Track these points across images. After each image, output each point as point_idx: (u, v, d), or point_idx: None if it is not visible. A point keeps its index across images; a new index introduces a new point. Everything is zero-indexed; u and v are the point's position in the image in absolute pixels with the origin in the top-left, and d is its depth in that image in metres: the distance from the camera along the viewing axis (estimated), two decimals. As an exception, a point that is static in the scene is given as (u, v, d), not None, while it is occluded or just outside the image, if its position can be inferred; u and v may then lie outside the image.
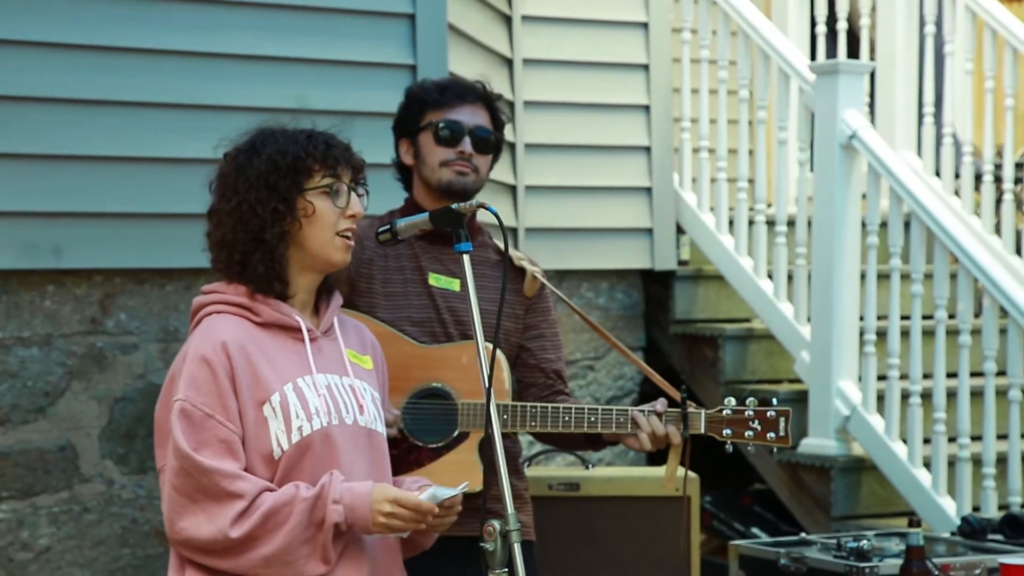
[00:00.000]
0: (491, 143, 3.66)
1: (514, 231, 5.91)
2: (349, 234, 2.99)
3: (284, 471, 2.87)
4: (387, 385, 3.19)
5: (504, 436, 3.55)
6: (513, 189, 5.99)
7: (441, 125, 3.62)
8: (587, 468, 4.56)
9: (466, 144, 3.61)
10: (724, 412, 3.42)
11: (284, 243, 2.94)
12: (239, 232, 2.93)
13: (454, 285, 3.58)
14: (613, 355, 6.19)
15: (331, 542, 2.85)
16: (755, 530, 6.26)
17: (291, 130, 3.00)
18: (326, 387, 2.94)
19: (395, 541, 3.04)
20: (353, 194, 3.00)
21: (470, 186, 3.60)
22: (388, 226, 3.23)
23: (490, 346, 3.00)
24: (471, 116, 3.64)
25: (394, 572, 3.03)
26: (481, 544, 2.85)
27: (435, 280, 3.59)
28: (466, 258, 3.04)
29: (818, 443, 5.70)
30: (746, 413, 3.41)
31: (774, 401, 3.44)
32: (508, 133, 5.91)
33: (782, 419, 3.41)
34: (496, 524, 2.83)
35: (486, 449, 2.95)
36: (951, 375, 5.47)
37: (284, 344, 2.94)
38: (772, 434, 3.41)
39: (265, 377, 2.88)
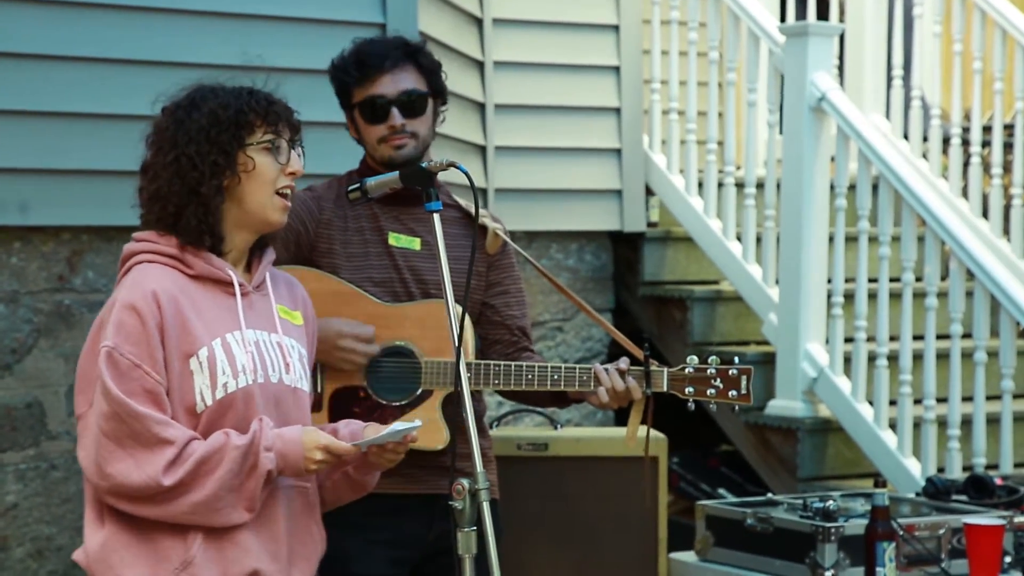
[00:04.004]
0: (422, 103, 3.55)
1: (484, 192, 5.90)
2: (288, 192, 2.98)
3: (206, 425, 2.86)
4: (316, 338, 3.18)
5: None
6: (483, 150, 5.97)
7: (365, 104, 3.53)
8: (556, 428, 4.58)
9: (395, 117, 3.51)
10: (687, 370, 3.43)
11: (220, 196, 2.92)
12: (175, 184, 2.91)
13: (414, 244, 3.56)
14: (582, 316, 6.20)
15: (260, 490, 2.85)
16: (722, 491, 6.29)
17: (231, 87, 2.98)
18: (254, 343, 2.93)
19: (314, 499, 3.04)
20: (293, 152, 2.98)
21: (412, 154, 3.53)
22: (358, 185, 3.22)
23: (458, 306, 3.00)
24: (393, 84, 3.52)
25: (312, 529, 3.03)
26: (450, 503, 2.85)
27: (395, 240, 3.56)
28: (436, 217, 3.04)
29: (785, 405, 5.73)
30: (708, 371, 3.43)
31: (736, 360, 3.46)
32: (477, 93, 5.93)
33: (744, 377, 3.42)
34: (465, 483, 2.84)
35: (453, 408, 2.94)
36: (917, 337, 5.50)
37: (215, 298, 2.93)
38: (734, 392, 3.43)
39: (194, 330, 2.86)
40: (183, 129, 2.92)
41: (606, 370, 3.43)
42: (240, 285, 2.95)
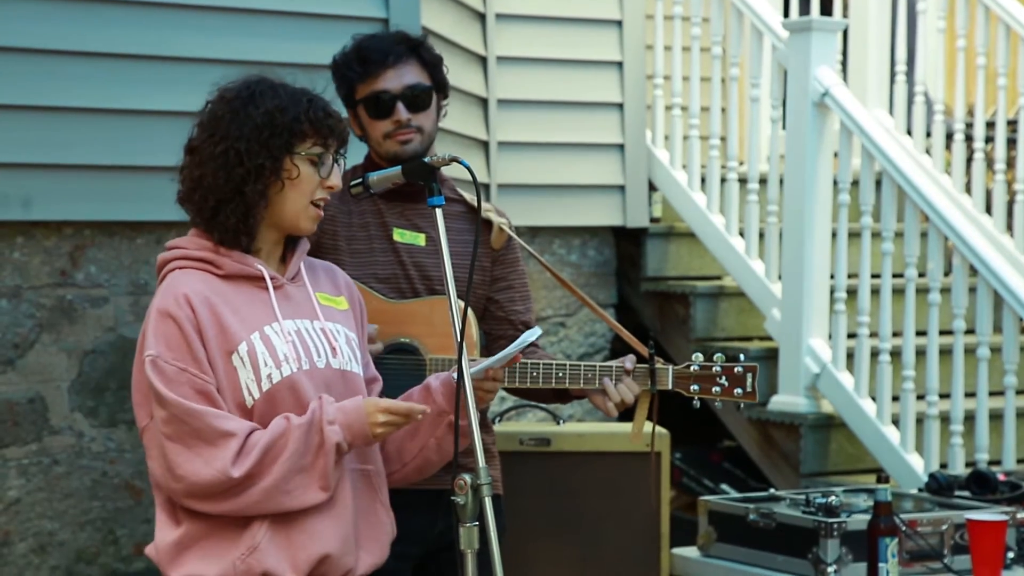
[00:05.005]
0: (427, 97, 3.55)
1: (487, 187, 5.90)
2: (322, 203, 3.00)
3: (259, 419, 2.87)
4: (366, 322, 3.20)
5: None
6: (486, 145, 5.97)
7: (369, 100, 3.53)
8: (558, 423, 4.57)
9: (400, 112, 3.51)
10: (692, 368, 3.42)
11: (264, 200, 2.93)
12: (220, 178, 2.91)
13: (419, 240, 3.56)
14: (585, 312, 6.20)
15: (332, 467, 2.86)
16: (724, 486, 6.29)
17: (292, 88, 2.98)
18: (295, 332, 2.94)
19: (378, 481, 3.05)
20: (336, 165, 3.00)
21: (418, 149, 3.53)
22: (360, 180, 3.22)
23: (461, 302, 2.99)
24: (397, 78, 3.52)
25: (378, 511, 3.05)
26: (452, 498, 2.85)
27: (400, 236, 3.56)
28: (439, 212, 3.03)
29: (788, 400, 5.72)
30: (713, 369, 3.42)
31: (741, 357, 3.45)
32: (480, 88, 5.92)
33: (749, 375, 3.41)
34: (467, 478, 2.84)
35: (456, 405, 2.94)
36: (920, 333, 5.49)
37: (249, 294, 2.94)
38: (739, 390, 3.42)
39: (231, 327, 2.88)
40: (237, 122, 2.92)
41: (611, 375, 3.42)
42: (273, 278, 2.96)
